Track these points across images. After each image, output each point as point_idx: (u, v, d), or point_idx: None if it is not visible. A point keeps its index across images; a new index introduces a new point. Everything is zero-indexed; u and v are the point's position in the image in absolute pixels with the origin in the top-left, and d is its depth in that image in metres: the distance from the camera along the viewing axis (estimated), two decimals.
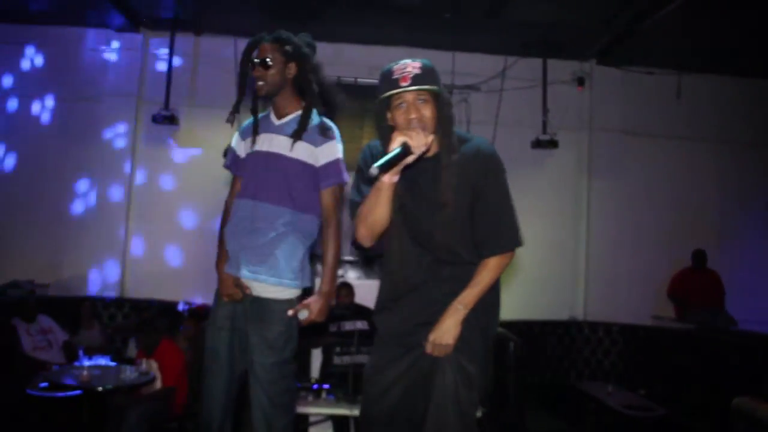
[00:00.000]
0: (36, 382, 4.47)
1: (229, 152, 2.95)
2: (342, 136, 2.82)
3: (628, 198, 7.24)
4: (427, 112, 2.10)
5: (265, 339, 2.69)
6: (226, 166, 2.95)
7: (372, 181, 2.11)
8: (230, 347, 2.77)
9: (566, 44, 6.89)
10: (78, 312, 6.13)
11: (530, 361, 6.45)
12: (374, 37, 6.88)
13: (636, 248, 7.16)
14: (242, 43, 2.86)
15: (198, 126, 7.04)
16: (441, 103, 2.13)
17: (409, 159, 2.01)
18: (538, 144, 6.99)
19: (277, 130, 2.77)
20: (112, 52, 7.13)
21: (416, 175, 2.17)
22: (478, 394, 2.21)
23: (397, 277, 2.28)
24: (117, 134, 7.02)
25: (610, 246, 7.19)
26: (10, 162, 7.03)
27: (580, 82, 7.34)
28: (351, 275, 6.21)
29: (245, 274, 2.74)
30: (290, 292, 2.77)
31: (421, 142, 1.98)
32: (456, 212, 2.17)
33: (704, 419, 5.05)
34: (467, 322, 2.19)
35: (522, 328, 6.24)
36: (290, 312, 2.70)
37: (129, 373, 4.19)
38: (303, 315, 2.69)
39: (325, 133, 2.74)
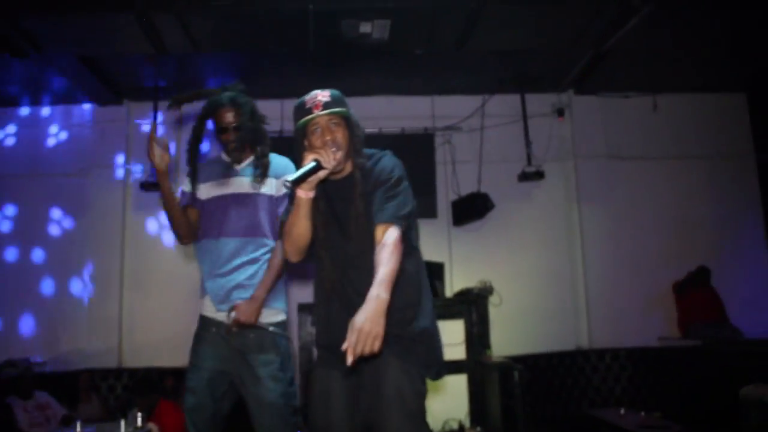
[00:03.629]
0: None
1: (184, 195, 3.15)
2: None
3: (620, 221, 7.21)
4: (340, 133, 2.32)
5: (272, 365, 2.80)
6: (184, 204, 3.11)
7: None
8: (210, 386, 2.85)
9: (541, 77, 6.98)
10: (76, 386, 6.04)
11: (541, 393, 6.33)
12: (352, 89, 6.89)
13: (634, 271, 7.06)
14: None
15: None
16: (351, 125, 2.37)
17: (321, 174, 2.22)
18: (524, 177, 7.01)
19: (241, 173, 3.04)
20: (96, 125, 7.21)
21: (334, 193, 2.36)
22: (422, 383, 2.32)
23: (327, 292, 2.39)
24: (106, 205, 7.04)
25: (607, 271, 7.10)
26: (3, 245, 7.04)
27: (560, 112, 7.40)
28: None
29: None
30: (281, 315, 2.96)
31: (330, 158, 2.17)
32: (368, 222, 2.28)
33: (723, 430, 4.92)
34: (397, 322, 2.24)
35: (529, 362, 6.11)
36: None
37: (124, 429, 4.09)
38: (232, 315, 2.81)
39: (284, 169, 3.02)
